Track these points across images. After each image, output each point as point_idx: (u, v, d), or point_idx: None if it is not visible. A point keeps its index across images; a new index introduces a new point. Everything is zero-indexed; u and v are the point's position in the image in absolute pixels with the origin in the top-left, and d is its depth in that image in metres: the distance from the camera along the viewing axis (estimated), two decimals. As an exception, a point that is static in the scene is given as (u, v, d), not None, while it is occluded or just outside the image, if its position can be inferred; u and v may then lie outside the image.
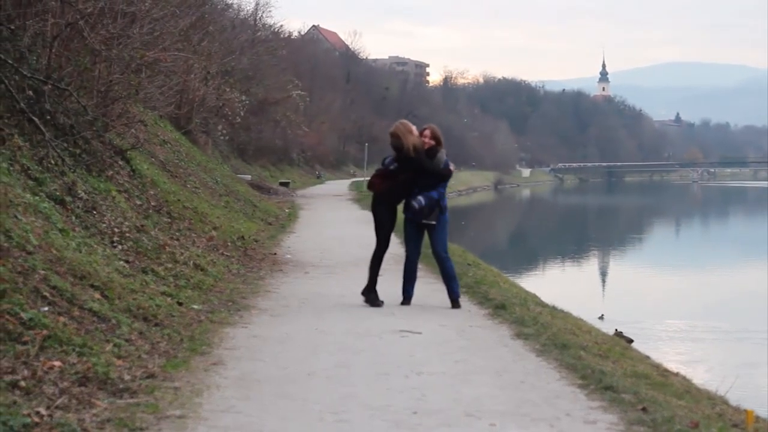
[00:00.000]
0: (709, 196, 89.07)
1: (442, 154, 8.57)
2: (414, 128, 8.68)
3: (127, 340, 5.96)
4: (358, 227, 18.91)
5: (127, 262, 8.21)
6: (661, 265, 28.24)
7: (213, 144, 28.70)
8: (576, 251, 31.71)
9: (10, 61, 8.67)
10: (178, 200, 13.52)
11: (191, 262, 9.64)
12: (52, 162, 8.78)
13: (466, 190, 74.52)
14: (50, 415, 4.26)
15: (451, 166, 8.67)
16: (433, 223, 8.55)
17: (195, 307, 7.80)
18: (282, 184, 36.55)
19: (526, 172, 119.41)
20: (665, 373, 7.30)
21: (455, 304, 8.64)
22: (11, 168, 7.92)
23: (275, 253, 13.18)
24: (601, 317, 15.41)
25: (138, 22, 11.64)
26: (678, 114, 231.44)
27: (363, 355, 6.33)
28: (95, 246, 7.98)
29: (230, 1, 38.41)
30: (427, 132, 8.63)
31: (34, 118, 8.83)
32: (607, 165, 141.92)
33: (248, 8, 41.97)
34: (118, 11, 10.84)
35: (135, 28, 11.53)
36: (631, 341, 10.93)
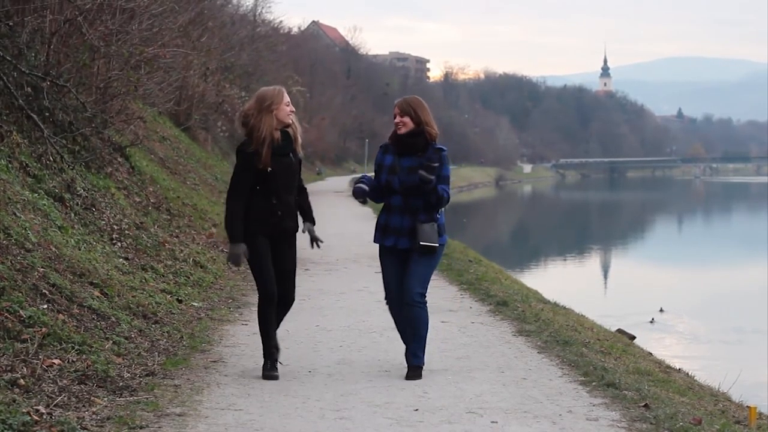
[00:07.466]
0: (712, 191, 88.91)
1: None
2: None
3: (126, 338, 5.94)
4: (358, 224, 18.87)
5: (126, 259, 8.19)
6: (664, 261, 28.20)
7: (213, 140, 28.64)
8: (578, 248, 31.66)
9: (8, 58, 8.64)
10: (178, 197, 13.50)
11: (191, 259, 9.62)
12: (51, 159, 8.76)
13: (467, 186, 74.65)
14: (50, 413, 4.25)
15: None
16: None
17: (195, 304, 7.78)
18: (283, 180, 36.44)
19: (527, 167, 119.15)
20: (668, 369, 7.28)
21: (414, 371, 5.47)
22: (10, 165, 7.90)
23: (276, 250, 13.12)
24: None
25: (137, 18, 11.60)
26: (680, 109, 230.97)
27: (364, 352, 6.31)
28: (94, 243, 7.96)
29: (229, -3, 38.28)
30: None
31: (32, 114, 8.80)
32: (609, 161, 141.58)
33: (248, 4, 41.73)
34: (117, 7, 10.81)
35: (134, 24, 11.50)
36: (634, 338, 10.89)
